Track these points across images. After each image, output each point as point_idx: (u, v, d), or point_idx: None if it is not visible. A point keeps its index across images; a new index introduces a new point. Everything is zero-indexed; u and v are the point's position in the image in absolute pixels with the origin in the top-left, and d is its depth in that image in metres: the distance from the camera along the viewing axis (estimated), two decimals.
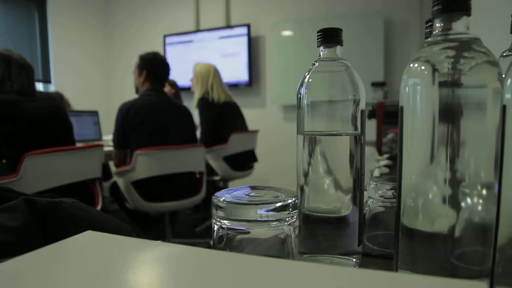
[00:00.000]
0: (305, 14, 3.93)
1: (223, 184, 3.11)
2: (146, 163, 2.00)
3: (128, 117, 2.04)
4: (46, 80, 4.14)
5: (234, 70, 4.18)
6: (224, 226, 0.36)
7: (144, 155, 1.98)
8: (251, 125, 3.12)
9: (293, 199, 0.36)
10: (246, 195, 0.38)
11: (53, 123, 1.66)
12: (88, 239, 0.35)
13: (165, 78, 2.25)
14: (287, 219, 0.36)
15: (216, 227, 0.37)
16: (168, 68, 2.25)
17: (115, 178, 2.11)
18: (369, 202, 0.55)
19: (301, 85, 0.45)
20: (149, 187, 2.04)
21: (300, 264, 0.29)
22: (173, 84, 3.40)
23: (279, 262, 0.29)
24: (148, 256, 0.31)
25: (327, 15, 3.82)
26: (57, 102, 1.75)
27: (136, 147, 2.01)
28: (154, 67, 2.17)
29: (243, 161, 2.93)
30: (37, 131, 1.59)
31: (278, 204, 0.35)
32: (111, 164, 2.37)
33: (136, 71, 2.22)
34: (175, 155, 2.08)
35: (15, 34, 3.87)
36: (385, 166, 1.18)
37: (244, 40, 4.14)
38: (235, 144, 2.74)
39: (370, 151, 1.34)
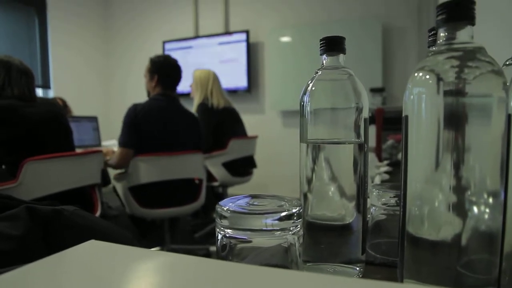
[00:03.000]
0: (303, 20, 3.96)
1: (222, 190, 3.10)
2: (144, 169, 1.99)
3: (138, 118, 2.01)
4: (46, 86, 4.15)
5: (233, 76, 4.19)
6: (228, 235, 0.36)
7: (142, 161, 1.97)
8: (250, 131, 3.13)
9: (298, 208, 0.36)
10: (250, 204, 0.38)
11: (53, 128, 1.66)
12: (91, 248, 0.34)
13: (177, 82, 2.20)
14: (291, 228, 0.36)
15: (220, 236, 0.37)
16: (180, 72, 2.20)
17: (113, 182, 2.09)
18: (371, 209, 0.55)
19: (304, 93, 0.45)
20: (147, 193, 2.03)
21: (303, 275, 0.29)
22: None
23: (281, 272, 0.29)
24: (150, 266, 0.31)
25: (325, 20, 3.84)
26: (57, 108, 1.75)
27: (143, 151, 1.98)
28: (165, 71, 2.13)
29: (242, 167, 2.92)
30: (36, 136, 1.58)
31: (283, 214, 0.35)
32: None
33: (147, 74, 2.19)
34: (174, 162, 2.07)
35: (15, 39, 3.88)
36: (385, 172, 1.18)
37: (243, 46, 4.15)
38: (234, 150, 2.74)
39: (370, 157, 1.34)
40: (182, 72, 2.22)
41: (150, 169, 2.02)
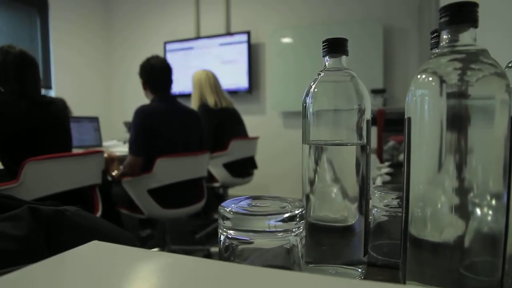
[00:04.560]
0: (304, 21, 3.96)
1: (223, 191, 3.10)
2: (168, 170, 1.99)
3: (149, 120, 1.97)
4: (47, 86, 4.15)
5: (234, 77, 4.19)
6: (230, 236, 0.36)
7: (166, 163, 1.96)
8: (251, 132, 3.13)
9: (300, 209, 0.36)
10: (253, 205, 0.38)
11: (52, 130, 1.66)
12: (93, 249, 0.34)
13: (166, 82, 2.11)
14: (294, 230, 0.36)
15: (222, 237, 0.37)
16: (166, 71, 2.10)
17: (124, 185, 2.03)
18: (373, 211, 0.55)
19: (307, 95, 0.45)
20: (167, 194, 2.03)
21: (304, 276, 0.29)
22: None
23: (283, 273, 0.29)
24: (152, 267, 0.31)
25: (326, 22, 3.85)
26: (58, 108, 1.74)
27: (157, 153, 1.97)
28: (150, 75, 2.08)
29: (243, 168, 2.92)
30: (35, 136, 1.58)
31: (286, 215, 0.35)
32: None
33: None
34: (192, 161, 2.09)
35: (16, 39, 3.88)
36: (387, 173, 1.18)
37: (244, 47, 4.16)
38: (235, 151, 2.74)
39: (371, 159, 1.34)
40: (170, 71, 2.12)
41: (173, 170, 2.01)
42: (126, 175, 2.02)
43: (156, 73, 2.08)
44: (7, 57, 1.55)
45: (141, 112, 1.99)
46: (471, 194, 0.32)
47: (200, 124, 2.26)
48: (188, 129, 2.14)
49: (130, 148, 2.01)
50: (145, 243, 2.52)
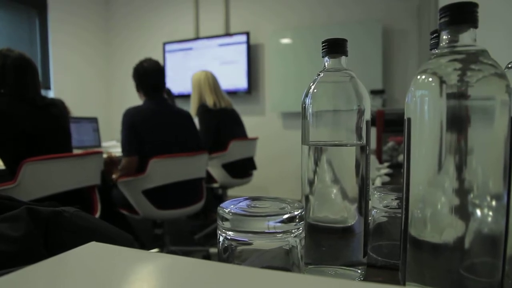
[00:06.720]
0: (304, 22, 3.96)
1: (222, 191, 3.10)
2: (161, 171, 1.99)
3: (135, 122, 1.99)
4: (46, 87, 4.15)
5: (233, 77, 4.19)
6: (229, 237, 0.36)
7: (160, 163, 1.96)
8: (250, 133, 3.13)
9: (300, 210, 0.36)
10: (252, 206, 0.38)
11: (53, 131, 1.66)
12: (92, 250, 0.34)
13: (157, 84, 2.12)
14: (293, 231, 0.36)
15: (221, 238, 0.37)
16: (156, 73, 2.12)
17: (120, 186, 2.03)
18: (373, 212, 0.54)
19: (306, 95, 0.45)
20: (161, 195, 2.02)
21: (303, 278, 0.29)
22: (168, 92, 3.39)
23: (282, 275, 0.29)
24: (151, 268, 0.31)
25: (326, 23, 3.85)
26: (58, 109, 1.74)
27: (148, 154, 1.97)
28: (140, 76, 2.11)
29: (242, 169, 2.92)
30: (37, 137, 1.58)
31: (285, 216, 0.35)
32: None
33: None
34: (187, 162, 2.08)
35: (16, 40, 3.88)
36: (386, 174, 1.18)
37: (243, 48, 4.16)
38: (235, 151, 2.74)
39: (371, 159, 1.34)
40: (162, 73, 2.15)
41: (167, 171, 2.01)
42: (123, 176, 2.03)
43: (147, 76, 2.10)
44: (6, 60, 1.56)
45: (128, 114, 2.01)
46: (471, 195, 0.32)
47: (194, 123, 2.26)
48: (181, 130, 2.14)
49: (123, 150, 2.03)
50: (157, 242, 2.52)
